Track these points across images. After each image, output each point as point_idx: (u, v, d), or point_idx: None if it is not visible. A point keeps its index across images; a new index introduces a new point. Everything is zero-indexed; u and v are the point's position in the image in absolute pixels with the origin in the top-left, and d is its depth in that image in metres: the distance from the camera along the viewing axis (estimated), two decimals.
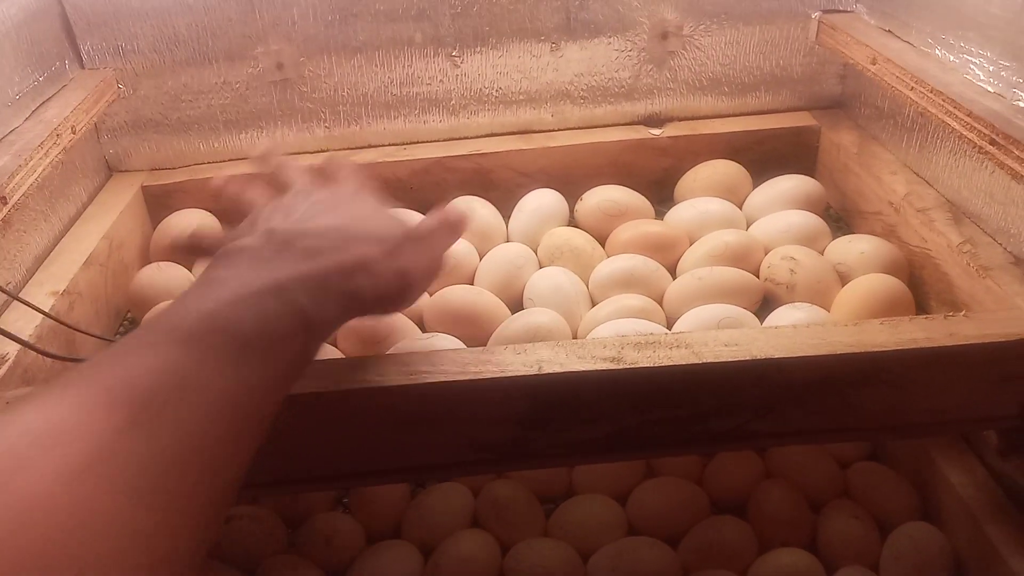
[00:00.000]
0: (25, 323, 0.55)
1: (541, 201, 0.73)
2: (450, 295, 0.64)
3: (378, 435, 0.48)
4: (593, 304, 0.63)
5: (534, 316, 0.61)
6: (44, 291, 0.59)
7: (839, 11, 0.75)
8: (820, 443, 0.65)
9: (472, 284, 0.67)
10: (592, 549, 0.63)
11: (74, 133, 0.64)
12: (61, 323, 0.55)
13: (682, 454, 0.53)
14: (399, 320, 0.62)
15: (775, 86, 0.79)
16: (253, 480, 0.50)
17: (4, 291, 0.53)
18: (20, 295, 0.56)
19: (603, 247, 0.69)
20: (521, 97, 0.77)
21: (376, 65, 0.75)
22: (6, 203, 0.52)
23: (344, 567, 0.63)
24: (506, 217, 0.73)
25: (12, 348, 0.52)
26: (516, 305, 0.65)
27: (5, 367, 0.51)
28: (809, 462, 0.67)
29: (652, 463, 0.68)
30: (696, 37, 0.76)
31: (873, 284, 0.59)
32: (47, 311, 0.55)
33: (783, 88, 0.79)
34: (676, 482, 0.66)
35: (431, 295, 0.65)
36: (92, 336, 0.58)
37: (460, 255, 0.68)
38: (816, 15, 0.75)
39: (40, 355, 0.53)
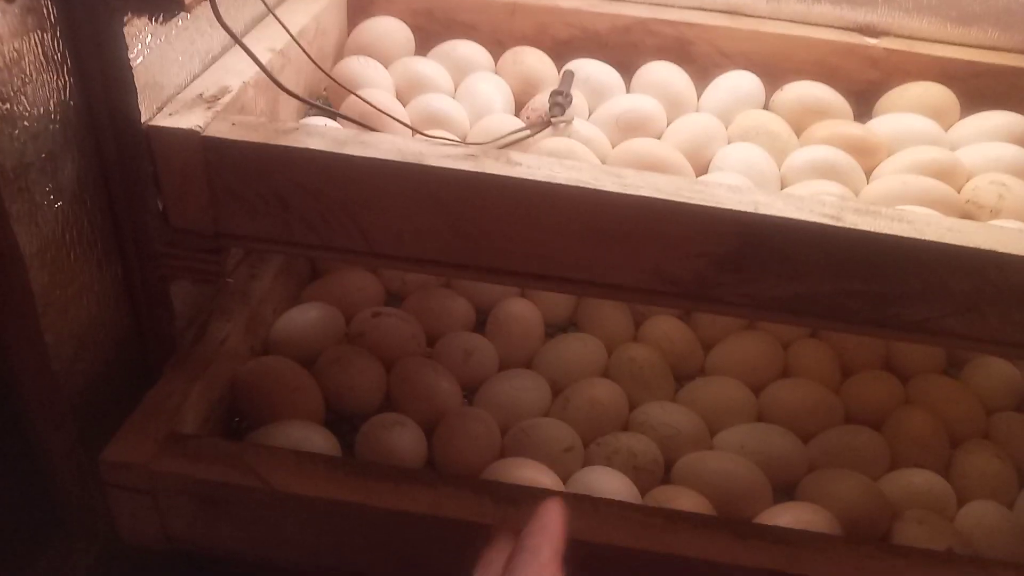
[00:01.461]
0: (240, 71, 0.56)
1: (739, 81, 0.71)
2: (639, 144, 0.64)
3: (573, 240, 0.48)
4: (783, 188, 0.62)
5: (725, 179, 0.60)
6: (261, 47, 0.60)
7: None
8: (1010, 358, 0.64)
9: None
10: (719, 428, 0.63)
11: None
12: (271, 78, 0.56)
13: (866, 334, 0.51)
14: (588, 154, 0.61)
15: (1006, 22, 0.74)
16: (442, 258, 0.51)
17: (232, 35, 0.54)
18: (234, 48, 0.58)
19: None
20: None
21: None
22: None
23: (477, 384, 0.64)
24: (699, 93, 0.72)
25: (235, 82, 0.54)
26: (702, 173, 0.64)
27: (228, 97, 0.52)
28: (953, 397, 0.65)
29: (791, 363, 0.68)
30: None
31: None
32: (262, 63, 0.56)
33: (1015, 26, 0.74)
34: (814, 384, 0.65)
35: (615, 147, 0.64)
36: (295, 97, 0.60)
37: (649, 113, 0.67)
38: None
39: (254, 95, 0.55)
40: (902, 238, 0.45)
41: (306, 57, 0.66)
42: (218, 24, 0.49)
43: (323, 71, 0.60)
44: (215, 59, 0.57)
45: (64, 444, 0.53)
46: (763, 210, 0.46)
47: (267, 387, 0.60)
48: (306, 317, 0.66)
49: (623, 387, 0.65)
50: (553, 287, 0.52)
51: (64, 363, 0.50)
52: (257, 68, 0.56)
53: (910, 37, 0.76)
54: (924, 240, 0.45)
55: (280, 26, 0.64)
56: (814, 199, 0.47)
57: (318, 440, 0.57)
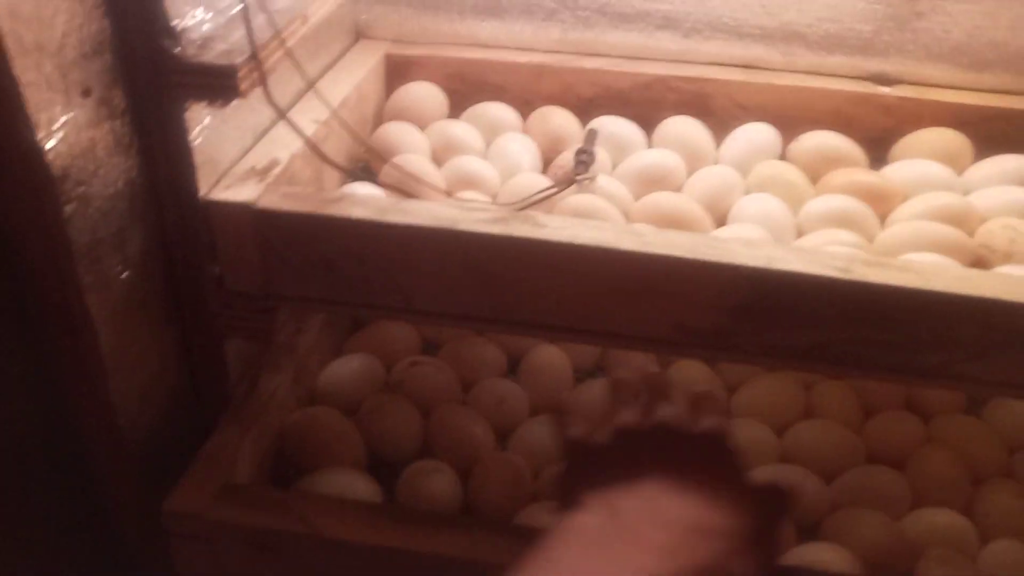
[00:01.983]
0: (286, 144, 0.61)
1: (756, 134, 0.74)
2: (660, 198, 0.67)
3: (596, 296, 0.52)
4: (799, 237, 0.65)
5: (742, 231, 0.63)
6: (307, 118, 0.64)
7: None
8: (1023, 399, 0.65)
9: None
10: None
11: None
12: (316, 150, 0.60)
13: (881, 380, 0.54)
14: (611, 209, 0.65)
15: (1019, 67, 0.76)
16: (473, 313, 0.55)
17: (282, 114, 0.59)
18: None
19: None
20: (756, 31, 0.78)
21: None
22: (306, 22, 0.58)
23: (510, 430, 0.67)
24: (717, 146, 0.75)
25: (284, 154, 0.58)
26: (720, 224, 0.67)
27: (278, 169, 0.57)
28: (975, 436, 0.66)
29: (814, 404, 0.70)
30: (947, 2, 0.75)
31: None
32: (307, 136, 0.61)
33: None
34: (836, 425, 0.67)
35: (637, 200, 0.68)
36: (337, 168, 0.64)
37: (670, 168, 0.71)
38: None
39: (302, 166, 0.60)
40: (911, 289, 0.48)
41: (349, 125, 0.71)
42: (267, 100, 0.54)
43: (363, 141, 0.65)
44: (265, 132, 0.62)
45: (129, 495, 0.57)
46: (776, 265, 0.49)
47: (313, 436, 0.64)
48: (349, 368, 0.70)
49: None
50: (579, 339, 0.56)
51: (129, 419, 0.55)
52: (300, 144, 0.61)
53: (923, 84, 0.78)
54: (932, 291, 0.48)
55: (322, 100, 0.69)
56: (826, 252, 0.50)
57: (361, 486, 0.61)
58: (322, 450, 0.63)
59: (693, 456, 0.42)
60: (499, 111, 0.77)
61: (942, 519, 0.61)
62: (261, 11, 0.56)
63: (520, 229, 0.51)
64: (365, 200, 0.53)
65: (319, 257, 0.53)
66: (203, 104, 0.51)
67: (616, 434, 0.44)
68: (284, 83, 0.65)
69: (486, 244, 0.51)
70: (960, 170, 0.72)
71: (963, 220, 0.64)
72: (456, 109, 0.79)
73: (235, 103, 0.56)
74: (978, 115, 0.75)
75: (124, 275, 0.52)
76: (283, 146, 0.59)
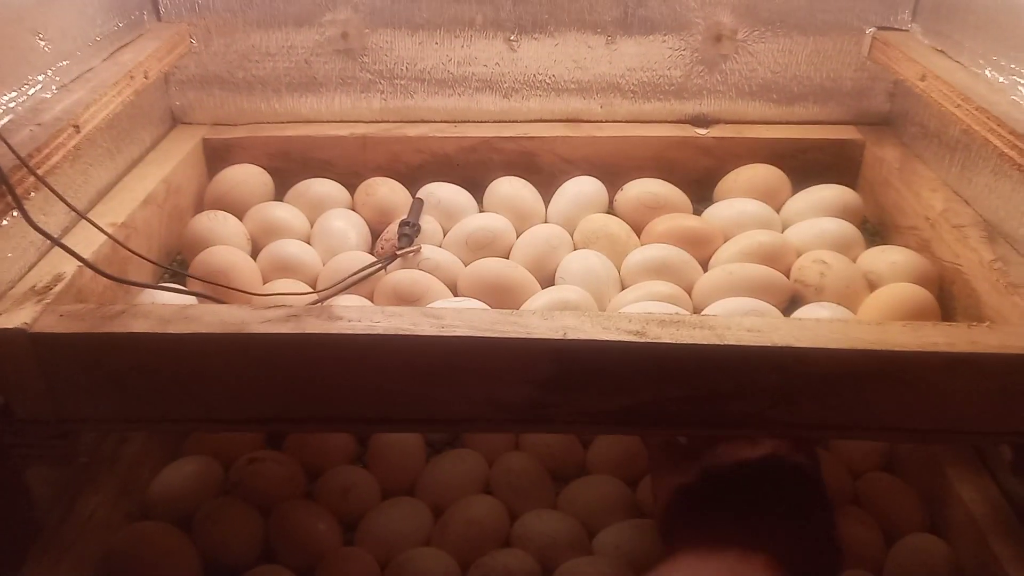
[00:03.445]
0: (82, 248, 0.58)
1: (582, 188, 0.75)
2: (484, 266, 0.66)
3: (403, 383, 0.50)
4: (623, 289, 0.65)
5: (563, 292, 0.62)
6: (104, 221, 0.61)
7: (894, 29, 0.76)
8: (832, 438, 0.66)
9: (507, 259, 0.69)
10: (599, 527, 0.64)
11: (146, 78, 0.67)
12: (123, 245, 0.58)
13: (695, 434, 0.54)
14: (433, 282, 0.64)
15: (824, 98, 0.80)
16: (281, 415, 0.52)
17: (73, 209, 0.56)
18: (82, 223, 0.60)
19: (639, 238, 0.71)
20: (572, 86, 0.79)
21: (436, 43, 0.77)
22: (79, 131, 0.56)
23: (357, 519, 0.65)
24: (546, 201, 0.75)
25: (70, 268, 0.55)
26: (548, 283, 0.67)
27: (62, 284, 0.54)
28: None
29: None
30: (750, 43, 0.77)
31: (901, 292, 0.59)
32: (109, 233, 0.58)
33: (831, 101, 0.80)
34: None
35: (467, 265, 0.67)
36: (148, 261, 0.61)
37: (498, 231, 0.70)
38: (871, 31, 0.76)
39: (93, 277, 0.56)
40: (705, 345, 0.48)
41: (156, 222, 0.68)
42: (55, 207, 0.51)
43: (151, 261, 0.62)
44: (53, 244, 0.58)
45: None
46: (572, 335, 0.48)
47: (140, 555, 0.60)
48: (182, 473, 0.67)
49: (504, 499, 0.66)
50: (398, 429, 0.54)
51: None
52: (96, 247, 0.58)
53: (740, 122, 0.80)
54: (725, 345, 0.48)
55: (126, 196, 0.66)
56: (621, 316, 0.50)
57: None
58: (150, 569, 0.59)
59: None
60: (323, 187, 0.75)
61: None
62: (27, 124, 0.54)
63: (313, 325, 0.49)
64: (147, 311, 0.50)
65: (106, 376, 0.50)
66: None
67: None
68: (77, 186, 0.62)
69: (279, 344, 0.49)
70: (780, 203, 0.74)
71: (779, 257, 0.66)
72: (284, 188, 0.77)
73: (9, 218, 0.53)
74: (792, 148, 0.78)
75: None
76: (70, 258, 0.56)
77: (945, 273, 0.63)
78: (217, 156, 0.78)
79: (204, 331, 0.49)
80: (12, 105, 0.55)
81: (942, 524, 0.63)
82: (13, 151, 0.50)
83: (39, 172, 0.51)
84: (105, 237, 0.59)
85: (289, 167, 0.79)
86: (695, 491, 0.53)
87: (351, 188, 0.77)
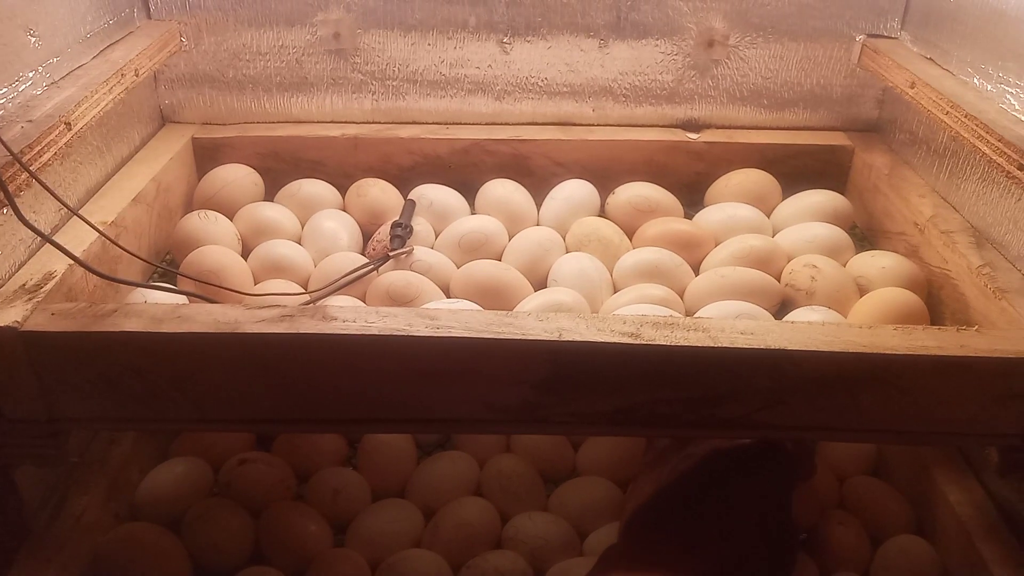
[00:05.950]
0: (73, 247, 0.57)
1: (574, 191, 0.75)
2: (477, 267, 0.66)
3: (398, 384, 0.50)
4: (615, 292, 0.65)
5: (556, 295, 0.63)
6: (93, 220, 0.61)
7: (883, 36, 0.77)
8: (823, 439, 0.67)
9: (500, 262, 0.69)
10: (590, 529, 0.64)
11: (136, 76, 0.66)
12: (115, 243, 0.57)
13: (688, 436, 0.54)
14: (426, 284, 0.64)
15: (814, 104, 0.80)
16: (275, 416, 0.52)
17: (66, 206, 0.56)
18: (72, 221, 0.59)
19: (630, 241, 0.71)
20: (565, 89, 0.79)
21: (428, 44, 0.77)
22: (70, 128, 0.55)
23: (348, 521, 0.65)
24: (538, 204, 0.76)
25: (60, 266, 0.55)
26: (540, 286, 0.67)
27: (52, 283, 0.53)
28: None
29: None
30: (741, 48, 0.78)
31: (890, 296, 0.60)
32: (101, 230, 0.58)
33: (821, 107, 0.81)
34: None
35: (459, 267, 0.67)
36: (139, 259, 0.61)
37: (491, 233, 0.70)
38: (860, 38, 0.77)
39: (83, 275, 0.56)
40: (699, 347, 0.48)
41: (145, 221, 0.68)
42: (45, 204, 0.50)
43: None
44: (43, 242, 0.58)
45: None
46: (567, 336, 0.49)
47: (129, 556, 0.59)
48: (171, 475, 0.66)
49: (495, 501, 0.66)
50: (393, 429, 0.54)
51: None
52: (86, 245, 0.58)
53: (731, 127, 0.81)
54: (719, 347, 0.48)
55: (116, 194, 0.66)
56: (616, 318, 0.50)
57: None
58: (140, 571, 0.59)
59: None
60: (314, 188, 0.75)
61: None
62: (18, 121, 0.53)
63: (308, 325, 0.49)
64: (139, 311, 0.50)
65: (98, 375, 0.50)
66: None
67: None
68: (67, 184, 0.62)
69: (273, 344, 0.49)
70: (770, 208, 0.75)
71: (770, 261, 0.66)
72: (274, 188, 0.77)
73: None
74: (782, 153, 0.79)
75: None
76: (60, 257, 0.56)
77: (934, 278, 0.64)
78: (207, 156, 0.78)
79: (197, 331, 0.48)
80: (2, 102, 0.55)
81: (928, 526, 0.64)
82: (7, 147, 0.49)
83: (31, 169, 0.50)
84: (95, 235, 0.58)
85: (280, 167, 0.78)
86: (643, 513, 0.54)
87: (342, 189, 0.77)
